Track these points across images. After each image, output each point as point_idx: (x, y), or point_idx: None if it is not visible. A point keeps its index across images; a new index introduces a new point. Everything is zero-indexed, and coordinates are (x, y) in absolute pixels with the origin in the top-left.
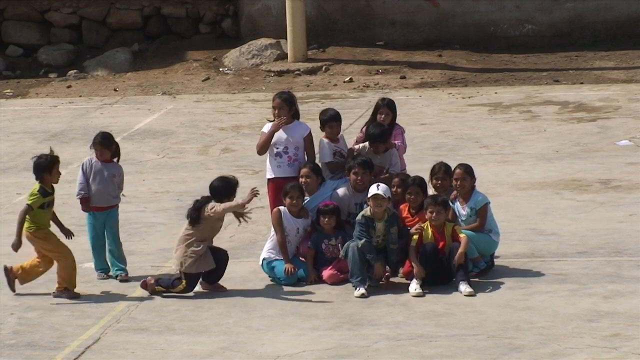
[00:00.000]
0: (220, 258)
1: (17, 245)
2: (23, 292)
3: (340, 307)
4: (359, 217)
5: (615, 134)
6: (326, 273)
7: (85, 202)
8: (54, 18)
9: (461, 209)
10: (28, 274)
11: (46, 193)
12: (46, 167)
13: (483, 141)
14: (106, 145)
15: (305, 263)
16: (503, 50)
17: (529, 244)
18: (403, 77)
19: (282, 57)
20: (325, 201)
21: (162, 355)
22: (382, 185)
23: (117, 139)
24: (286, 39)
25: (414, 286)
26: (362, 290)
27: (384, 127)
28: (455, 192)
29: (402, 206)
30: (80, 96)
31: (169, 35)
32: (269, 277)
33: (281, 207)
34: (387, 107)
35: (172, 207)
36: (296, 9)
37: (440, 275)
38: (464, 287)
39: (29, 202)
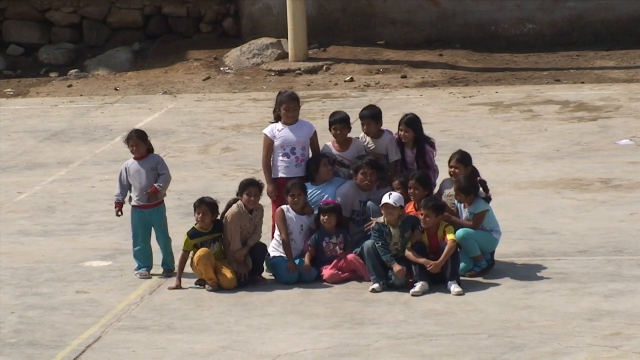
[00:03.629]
0: (255, 252)
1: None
2: (24, 290)
3: (341, 306)
4: (373, 224)
5: (615, 133)
6: (327, 272)
7: (118, 206)
8: (54, 17)
9: (464, 211)
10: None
11: (196, 234)
12: (194, 209)
13: (484, 140)
14: (143, 138)
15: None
16: (504, 50)
17: (530, 243)
18: (404, 77)
19: (283, 56)
20: (326, 199)
21: (163, 353)
22: (394, 194)
23: (117, 138)
24: (287, 38)
25: (417, 287)
26: (374, 286)
27: (374, 107)
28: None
29: (407, 204)
30: (81, 95)
31: (170, 34)
32: (271, 274)
33: (284, 206)
34: (404, 124)
35: (173, 206)
36: (297, 8)
37: (433, 273)
38: (453, 287)
39: (182, 247)
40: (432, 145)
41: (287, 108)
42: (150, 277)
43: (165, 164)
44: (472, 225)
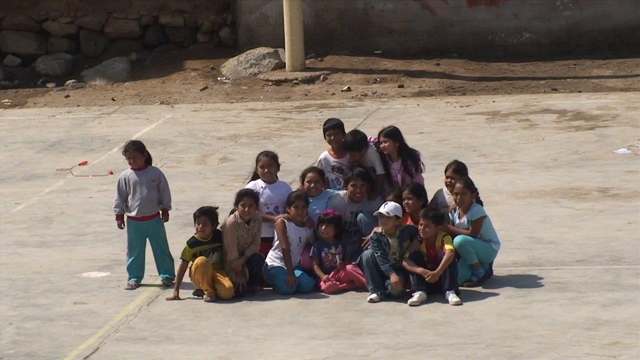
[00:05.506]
0: (252, 262)
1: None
2: (21, 302)
3: (338, 316)
4: (371, 233)
5: (613, 142)
6: (324, 283)
7: (120, 219)
8: (51, 28)
9: (458, 220)
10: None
11: (196, 243)
12: (194, 219)
13: (481, 150)
14: (139, 149)
15: (306, 273)
16: (501, 59)
17: (528, 252)
18: (401, 86)
19: (280, 66)
20: (326, 210)
21: None
22: (390, 204)
23: (115, 149)
24: (284, 48)
25: (415, 297)
26: (372, 296)
27: (358, 136)
28: (454, 204)
29: (404, 216)
30: (79, 106)
31: (167, 44)
32: (268, 284)
33: (284, 218)
34: (383, 135)
35: (170, 216)
36: (294, 18)
37: (431, 283)
38: (451, 297)
39: (180, 256)
40: (417, 157)
41: (262, 166)
42: (134, 289)
43: (166, 179)
44: (471, 233)
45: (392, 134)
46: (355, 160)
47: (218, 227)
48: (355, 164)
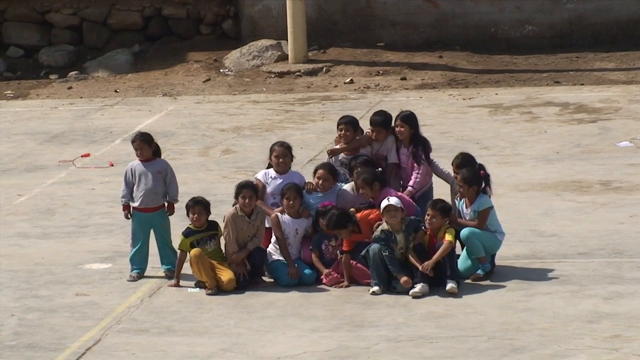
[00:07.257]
0: (254, 256)
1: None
2: (23, 293)
3: (340, 309)
4: (377, 232)
5: (615, 135)
6: (325, 277)
7: (127, 209)
8: (54, 19)
9: (465, 210)
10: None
11: (191, 232)
12: (187, 210)
13: (484, 142)
14: (147, 141)
15: (307, 265)
16: (503, 52)
17: (530, 245)
18: (403, 78)
19: (283, 58)
20: (324, 202)
21: (163, 356)
22: (393, 197)
23: (117, 141)
24: (287, 40)
25: (417, 288)
26: (374, 288)
27: (387, 114)
28: (458, 193)
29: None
30: (81, 97)
31: (170, 36)
32: (270, 276)
33: (279, 213)
34: (400, 120)
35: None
36: (297, 10)
37: (435, 274)
38: (448, 285)
39: (178, 247)
40: (428, 146)
41: (277, 155)
42: (136, 280)
43: (173, 172)
44: (477, 225)
45: (409, 119)
46: (377, 141)
47: (217, 219)
48: (375, 142)
